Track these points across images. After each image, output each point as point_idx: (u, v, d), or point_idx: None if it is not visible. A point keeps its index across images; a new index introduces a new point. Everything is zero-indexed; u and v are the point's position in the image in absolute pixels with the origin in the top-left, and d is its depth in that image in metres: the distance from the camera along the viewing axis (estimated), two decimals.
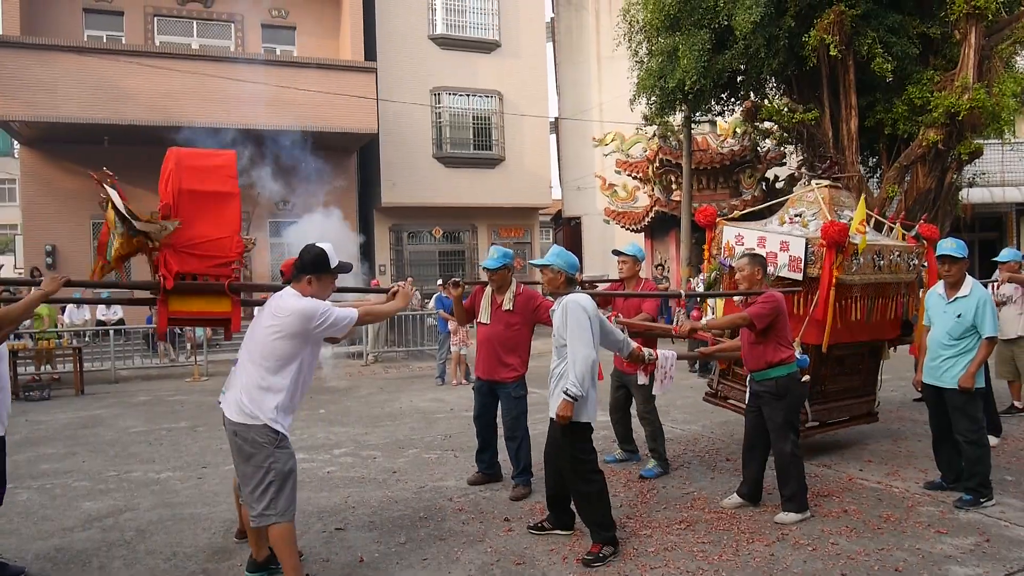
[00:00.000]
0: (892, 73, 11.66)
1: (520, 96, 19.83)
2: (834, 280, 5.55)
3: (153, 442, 7.58)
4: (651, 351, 5.04)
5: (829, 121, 12.75)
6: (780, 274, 5.78)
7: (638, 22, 14.02)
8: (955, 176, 13.32)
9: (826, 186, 6.32)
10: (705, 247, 6.59)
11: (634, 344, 4.87)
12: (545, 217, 25.34)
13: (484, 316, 5.43)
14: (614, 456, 6.25)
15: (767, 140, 15.80)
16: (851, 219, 5.74)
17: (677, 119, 15.67)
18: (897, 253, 6.11)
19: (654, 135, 17.18)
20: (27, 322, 12.25)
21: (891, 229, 6.77)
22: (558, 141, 23.79)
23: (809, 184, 6.59)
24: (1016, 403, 7.67)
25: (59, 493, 5.76)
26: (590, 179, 21.63)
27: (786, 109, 13.25)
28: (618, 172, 18.97)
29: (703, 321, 5.32)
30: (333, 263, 3.68)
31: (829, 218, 5.82)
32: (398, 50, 18.50)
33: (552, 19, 23.91)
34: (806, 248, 5.67)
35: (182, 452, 7.09)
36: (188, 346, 13.53)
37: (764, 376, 4.84)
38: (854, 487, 5.34)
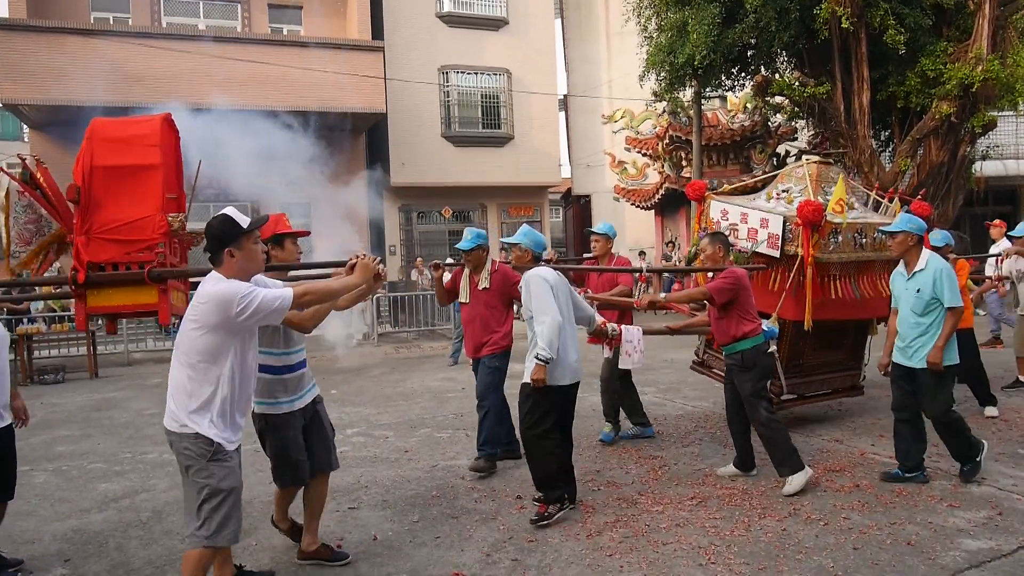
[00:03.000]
0: (905, 45, 11.48)
1: (528, 73, 19.69)
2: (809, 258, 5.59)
3: None
4: (615, 326, 5.24)
5: (841, 95, 12.60)
6: (758, 250, 5.86)
7: None
8: (968, 149, 13.16)
9: (815, 162, 6.35)
10: (695, 221, 6.64)
11: (600, 319, 5.12)
12: (555, 195, 25.25)
13: (464, 296, 5.58)
14: (607, 435, 6.17)
15: (778, 115, 15.64)
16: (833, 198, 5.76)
17: (687, 95, 15.52)
18: None
19: (664, 111, 17.04)
20: (39, 305, 12.37)
21: (888, 205, 6.75)
22: (567, 119, 23.63)
23: (799, 160, 6.60)
24: (1021, 378, 7.56)
25: (75, 475, 5.83)
26: (599, 157, 21.51)
27: (797, 83, 13.10)
28: (628, 149, 18.84)
29: (662, 295, 5.46)
30: (245, 223, 3.07)
31: (813, 195, 5.87)
32: (405, 28, 18.38)
33: None
34: (784, 226, 5.73)
35: None
36: None
37: (732, 349, 5.00)
38: (866, 462, 5.34)
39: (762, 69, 14.01)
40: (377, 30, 17.69)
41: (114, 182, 3.37)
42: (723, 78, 14.45)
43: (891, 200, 6.75)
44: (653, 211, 19.06)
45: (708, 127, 16.49)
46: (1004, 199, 20.70)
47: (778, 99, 14.23)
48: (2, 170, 3.43)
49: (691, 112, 15.82)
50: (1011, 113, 14.01)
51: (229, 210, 3.09)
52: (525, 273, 4.54)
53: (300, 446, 3.78)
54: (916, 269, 4.87)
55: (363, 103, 16.12)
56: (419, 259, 17.58)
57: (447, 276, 5.83)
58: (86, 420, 8.02)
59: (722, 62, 13.07)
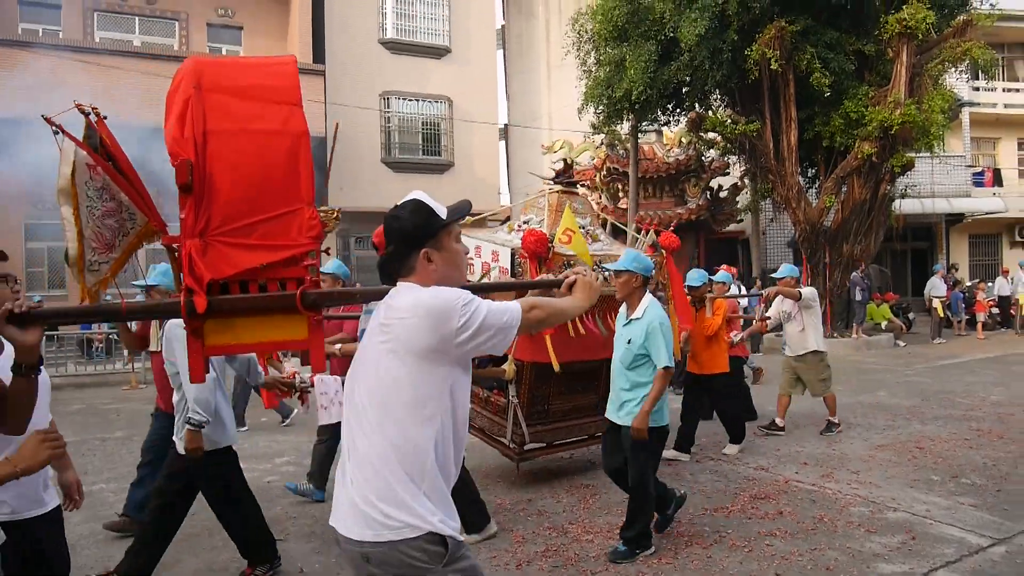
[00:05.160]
0: (829, 88, 12.07)
1: (470, 102, 19.86)
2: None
3: (86, 453, 7.34)
4: (304, 378, 4.83)
5: (770, 133, 13.14)
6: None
7: (587, 32, 14.23)
8: (888, 188, 13.87)
9: (557, 191, 6.06)
10: None
11: (278, 373, 4.82)
12: (494, 223, 25.38)
13: (155, 344, 5.11)
14: (295, 485, 5.71)
15: (711, 150, 16.17)
16: (570, 229, 5.27)
17: (624, 128, 15.90)
18: None
19: (601, 143, 17.40)
20: None
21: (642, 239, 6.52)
22: (507, 148, 23.88)
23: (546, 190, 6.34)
24: (778, 420, 7.26)
25: None
26: (538, 186, 21.77)
27: (729, 120, 13.59)
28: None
29: (337, 347, 5.02)
30: (442, 212, 2.08)
31: (551, 225, 5.49)
32: (348, 53, 18.36)
33: (503, 26, 24.03)
34: (512, 258, 5.39)
35: (116, 463, 6.87)
36: (124, 352, 13.15)
37: None
38: (790, 489, 5.48)
39: (696, 106, 14.50)
40: (319, 54, 17.63)
41: (240, 157, 2.18)
42: (659, 113, 14.91)
43: (647, 233, 6.18)
44: None
45: (644, 160, 16.89)
46: (921, 236, 21.75)
47: (711, 135, 14.73)
48: (62, 130, 2.17)
49: (628, 145, 16.21)
50: (927, 155, 14.81)
51: (418, 194, 2.09)
52: (167, 324, 3.91)
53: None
54: (633, 316, 4.30)
55: None
56: (357, 284, 17.39)
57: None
58: None
59: (658, 98, 13.48)
